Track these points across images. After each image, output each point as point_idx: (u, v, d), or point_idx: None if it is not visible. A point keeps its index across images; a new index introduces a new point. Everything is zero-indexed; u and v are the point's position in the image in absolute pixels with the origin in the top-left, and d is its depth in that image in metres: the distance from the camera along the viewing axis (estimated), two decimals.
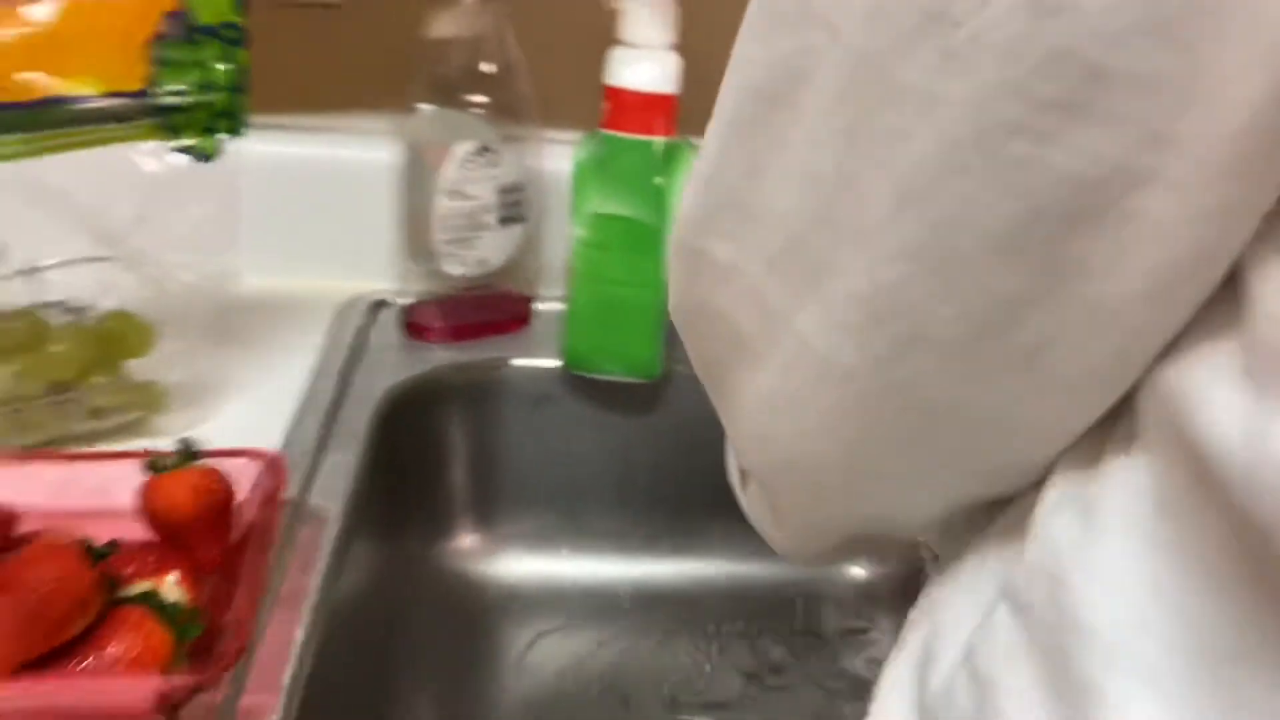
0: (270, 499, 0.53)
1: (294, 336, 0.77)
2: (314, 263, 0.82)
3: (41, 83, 0.55)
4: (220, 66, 0.60)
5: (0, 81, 0.54)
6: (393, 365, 0.76)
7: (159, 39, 0.58)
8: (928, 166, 0.25)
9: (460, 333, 0.78)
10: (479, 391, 0.78)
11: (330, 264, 0.83)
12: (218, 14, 0.60)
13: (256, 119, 0.64)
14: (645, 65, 0.67)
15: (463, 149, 0.72)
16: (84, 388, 0.63)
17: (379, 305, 0.82)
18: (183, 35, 0.59)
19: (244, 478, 0.54)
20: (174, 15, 0.59)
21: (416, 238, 0.75)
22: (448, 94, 0.73)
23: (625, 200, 0.69)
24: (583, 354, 0.74)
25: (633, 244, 0.70)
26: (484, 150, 0.72)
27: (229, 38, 0.60)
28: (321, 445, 0.66)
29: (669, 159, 0.68)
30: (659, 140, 0.67)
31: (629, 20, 0.67)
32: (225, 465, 0.53)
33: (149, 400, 0.65)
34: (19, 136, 0.55)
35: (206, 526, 0.52)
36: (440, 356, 0.77)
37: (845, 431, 0.30)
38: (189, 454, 0.53)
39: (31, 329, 0.61)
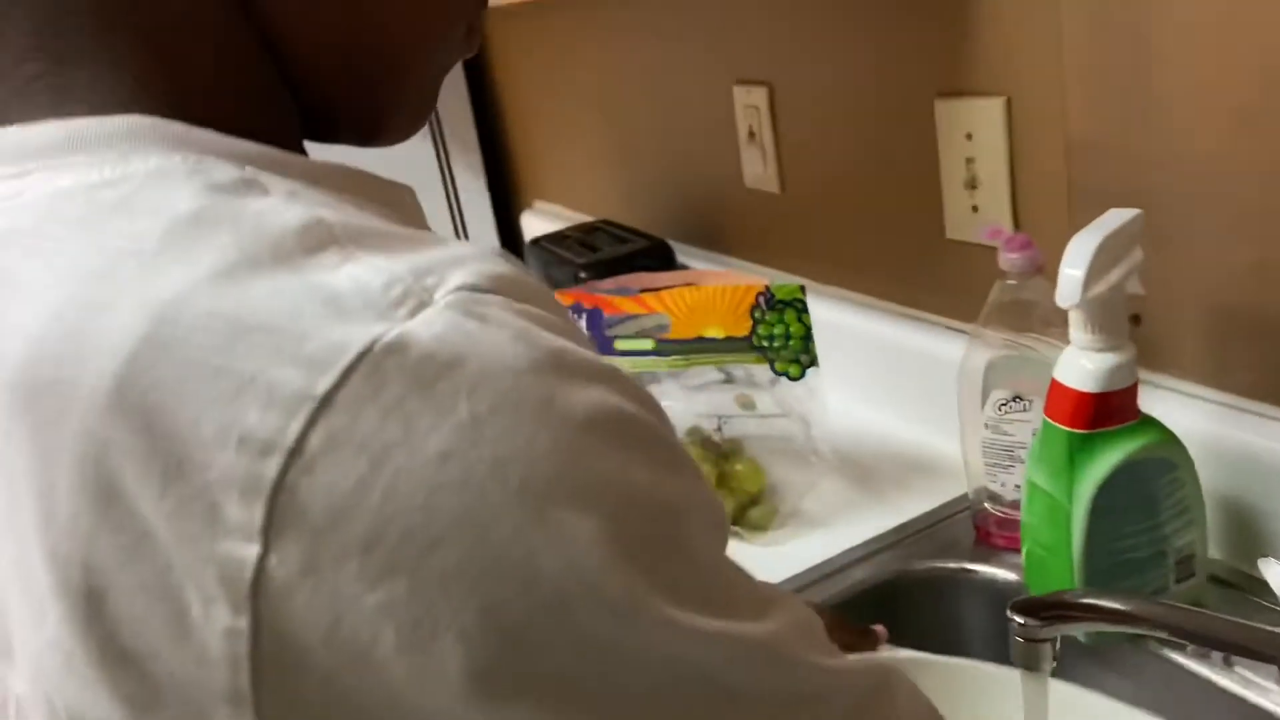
0: None
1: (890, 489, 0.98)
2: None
3: (696, 328, 0.98)
4: (794, 324, 0.95)
5: (681, 328, 0.98)
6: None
7: (755, 307, 0.96)
8: None
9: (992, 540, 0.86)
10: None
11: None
12: (789, 293, 0.95)
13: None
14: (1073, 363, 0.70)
15: (998, 395, 0.81)
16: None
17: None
18: (769, 305, 0.95)
19: None
20: (763, 293, 0.95)
21: (969, 446, 0.85)
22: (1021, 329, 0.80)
23: (1046, 474, 0.72)
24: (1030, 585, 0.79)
25: (1048, 514, 0.73)
26: (1017, 399, 0.80)
27: (798, 307, 0.95)
28: None
29: (1085, 449, 0.70)
30: (1077, 432, 0.70)
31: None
32: None
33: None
34: (684, 357, 0.98)
35: None
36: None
37: None
38: None
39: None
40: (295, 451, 0.29)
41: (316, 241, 0.31)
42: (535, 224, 1.91)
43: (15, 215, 0.34)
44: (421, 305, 0.30)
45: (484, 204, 2.00)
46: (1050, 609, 0.57)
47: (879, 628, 0.73)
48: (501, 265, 0.33)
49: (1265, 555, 0.71)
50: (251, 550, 0.29)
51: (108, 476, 0.30)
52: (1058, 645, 0.58)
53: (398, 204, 0.40)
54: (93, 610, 0.31)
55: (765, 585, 0.39)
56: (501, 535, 0.29)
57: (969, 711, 0.66)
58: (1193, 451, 0.72)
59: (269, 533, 0.29)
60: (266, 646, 0.30)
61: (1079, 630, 0.61)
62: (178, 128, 0.35)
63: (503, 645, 0.30)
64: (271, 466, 0.29)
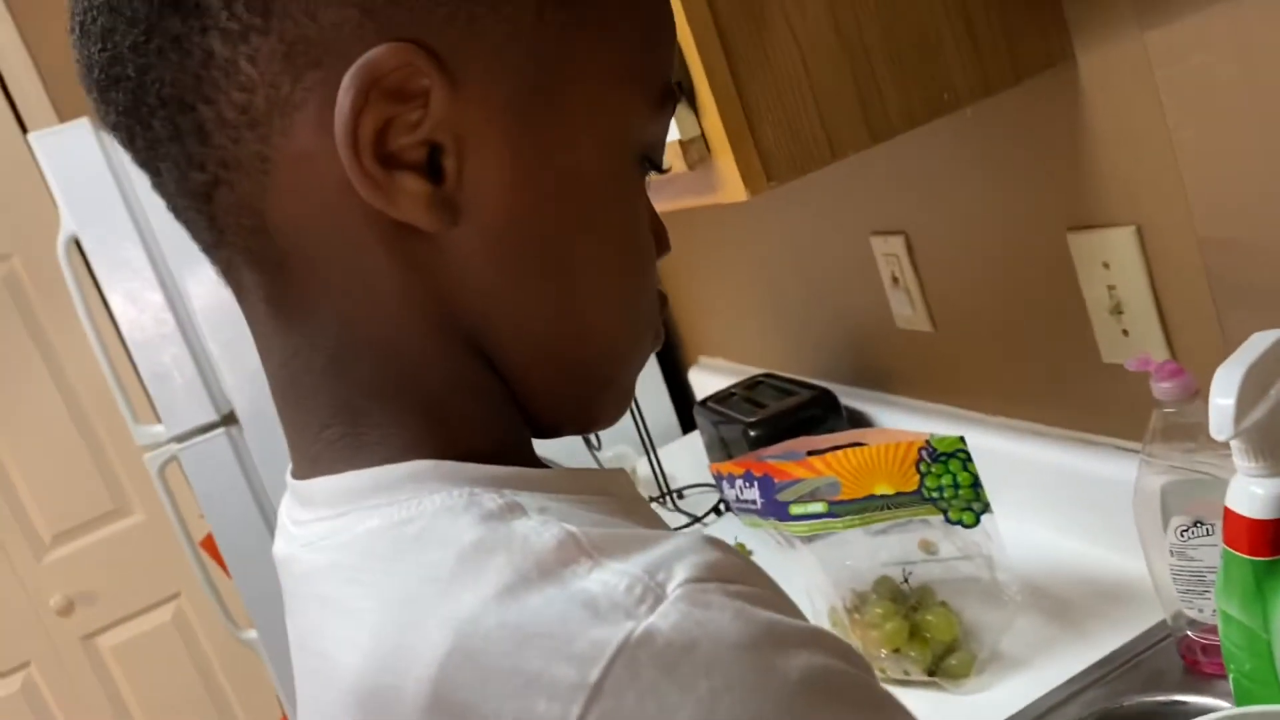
0: None
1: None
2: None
3: (865, 487, 1.01)
4: (961, 474, 0.97)
5: (851, 488, 1.02)
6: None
7: (919, 461, 0.98)
8: None
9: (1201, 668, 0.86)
10: None
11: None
12: (950, 445, 0.97)
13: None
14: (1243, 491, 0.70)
15: (1178, 521, 0.81)
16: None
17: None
18: (932, 458, 0.97)
19: None
20: (924, 447, 0.97)
21: (1157, 571, 0.85)
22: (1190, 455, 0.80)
23: (1237, 604, 0.71)
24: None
25: (1247, 644, 0.71)
26: (1198, 524, 0.80)
27: (961, 457, 0.97)
28: None
29: (1273, 576, 0.69)
30: (1260, 560, 0.69)
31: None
32: None
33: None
34: (856, 516, 1.02)
35: None
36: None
37: None
38: None
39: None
40: None
41: (570, 555, 0.40)
42: (702, 379, 1.97)
43: (338, 551, 0.45)
44: (658, 600, 0.38)
45: (651, 365, 2.08)
46: None
47: None
48: (713, 553, 0.41)
49: None
50: None
51: None
52: None
53: (615, 489, 0.50)
54: None
55: None
56: None
57: None
58: None
59: None
60: None
61: None
62: (448, 466, 0.44)
63: None
64: None
